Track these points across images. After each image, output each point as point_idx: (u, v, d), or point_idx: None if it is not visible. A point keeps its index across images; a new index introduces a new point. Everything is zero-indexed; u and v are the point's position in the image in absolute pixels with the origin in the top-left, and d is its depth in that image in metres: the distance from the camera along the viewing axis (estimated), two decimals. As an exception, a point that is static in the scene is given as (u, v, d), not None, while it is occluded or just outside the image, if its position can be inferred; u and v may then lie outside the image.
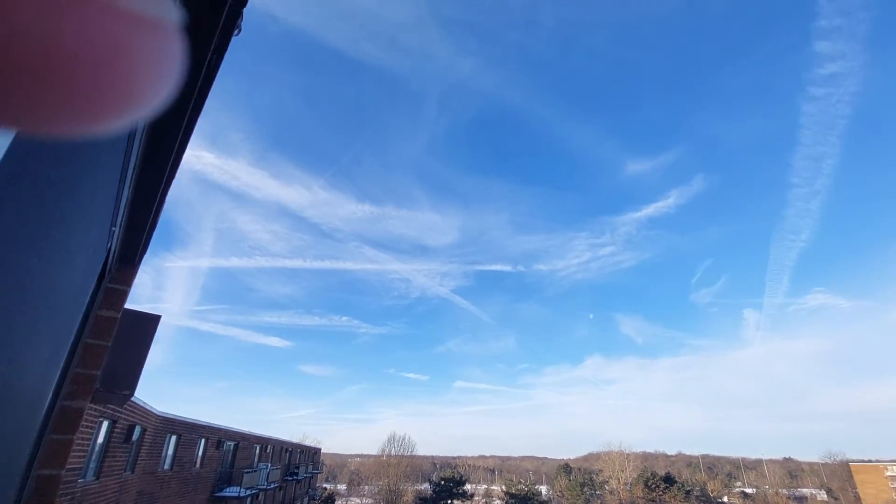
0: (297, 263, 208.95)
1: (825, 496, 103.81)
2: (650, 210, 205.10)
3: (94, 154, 1.25)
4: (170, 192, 2.21)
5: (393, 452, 78.93)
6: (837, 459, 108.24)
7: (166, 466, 22.99)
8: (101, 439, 16.19)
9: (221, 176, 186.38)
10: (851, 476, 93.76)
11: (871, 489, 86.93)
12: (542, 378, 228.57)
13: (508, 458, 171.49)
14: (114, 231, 2.21)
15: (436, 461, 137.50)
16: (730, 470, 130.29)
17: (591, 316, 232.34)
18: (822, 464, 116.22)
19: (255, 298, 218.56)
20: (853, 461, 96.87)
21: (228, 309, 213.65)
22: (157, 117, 1.59)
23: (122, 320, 3.54)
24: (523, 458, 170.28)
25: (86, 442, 13.74)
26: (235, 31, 2.00)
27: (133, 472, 19.40)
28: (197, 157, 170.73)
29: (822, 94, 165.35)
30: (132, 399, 17.82)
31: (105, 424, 16.24)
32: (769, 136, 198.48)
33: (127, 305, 3.62)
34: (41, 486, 2.47)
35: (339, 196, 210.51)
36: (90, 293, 2.56)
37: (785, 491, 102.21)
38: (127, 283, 2.94)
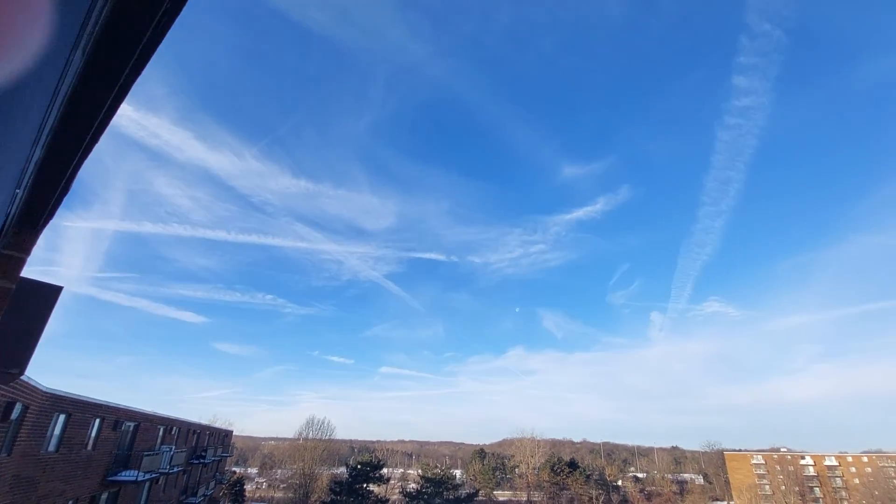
0: (219, 235, 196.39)
1: (702, 480, 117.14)
2: (580, 213, 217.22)
3: (9, 107, 1.08)
4: (89, 157, 1.95)
5: (311, 436, 77.37)
6: (715, 448, 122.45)
7: (51, 448, 20.77)
8: (-30, 417, 14.25)
9: (139, 132, 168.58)
10: (725, 463, 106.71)
11: (739, 475, 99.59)
12: (467, 367, 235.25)
13: (427, 443, 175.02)
14: (17, 193, 1.92)
15: (354, 445, 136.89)
16: (626, 456, 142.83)
17: (517, 309, 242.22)
18: (702, 452, 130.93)
19: (168, 269, 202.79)
20: (727, 450, 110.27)
21: (137, 278, 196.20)
22: (87, 65, 1.38)
23: (17, 291, 3.11)
24: (441, 444, 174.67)
25: (-49, 420, 12.02)
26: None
27: (9, 455, 17.33)
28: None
29: (735, 123, 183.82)
30: (14, 373, 15.86)
31: (-23, 401, 14.31)
32: (688, 156, 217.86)
33: (23, 273, 3.19)
34: None
35: (273, 168, 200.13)
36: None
37: (670, 476, 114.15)
38: (25, 251, 2.57)
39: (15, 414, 17.01)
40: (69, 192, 2.31)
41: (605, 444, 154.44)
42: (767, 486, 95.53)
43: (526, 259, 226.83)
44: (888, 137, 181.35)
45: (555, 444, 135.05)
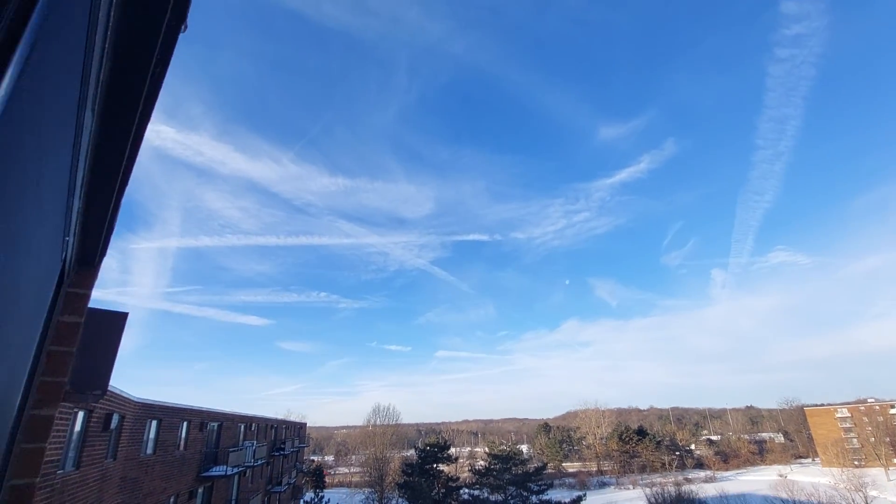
0: (270, 240, 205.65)
1: (782, 439, 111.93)
2: (623, 175, 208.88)
3: (36, 170, 1.19)
4: (124, 197, 2.12)
5: (378, 422, 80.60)
6: (794, 405, 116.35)
7: (149, 451, 22.89)
8: (77, 429, 15.93)
9: (184, 151, 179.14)
10: (806, 419, 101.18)
11: (823, 430, 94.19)
12: (521, 343, 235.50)
13: (490, 421, 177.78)
14: (68, 241, 2.12)
15: (420, 428, 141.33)
16: (697, 420, 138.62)
17: (566, 282, 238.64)
18: (779, 410, 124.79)
19: (228, 277, 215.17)
20: (807, 406, 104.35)
21: (202, 289, 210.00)
22: (99, 123, 1.50)
23: (88, 321, 3.45)
24: (505, 420, 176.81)
25: (62, 433, 13.52)
26: (182, 28, 1.88)
27: (115, 459, 19.27)
28: (156, 131, 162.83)
29: (788, 55, 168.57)
30: (110, 388, 17.52)
31: (80, 415, 15.96)
32: (736, 98, 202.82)
33: (92, 302, 3.52)
34: (15, 496, 2.44)
35: (311, 169, 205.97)
36: (49, 301, 2.47)
37: (746, 436, 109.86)
38: (87, 287, 2.84)
39: (114, 424, 18.89)
40: (114, 231, 2.54)
41: (673, 409, 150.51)
42: (855, 440, 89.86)
43: (570, 229, 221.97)
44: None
45: (620, 413, 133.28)
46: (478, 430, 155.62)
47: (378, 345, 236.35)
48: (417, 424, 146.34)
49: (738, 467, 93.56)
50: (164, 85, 1.59)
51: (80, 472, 15.55)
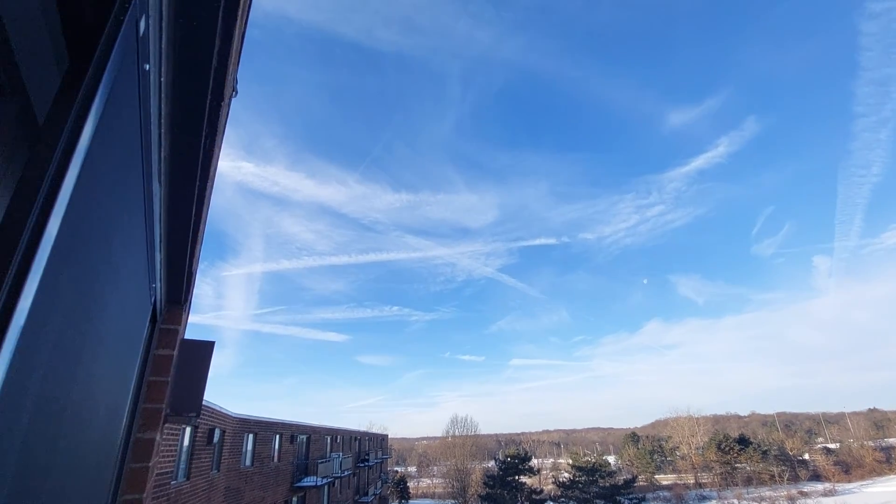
0: (343, 259, 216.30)
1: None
2: (699, 162, 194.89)
3: (113, 232, 1.39)
4: (200, 246, 2.40)
5: (457, 433, 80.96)
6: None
7: (248, 463, 24.75)
8: (185, 444, 17.65)
9: (261, 183, 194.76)
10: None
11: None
12: (600, 348, 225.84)
13: (573, 431, 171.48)
14: (154, 286, 2.43)
15: (500, 439, 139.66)
16: (809, 426, 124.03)
17: (644, 281, 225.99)
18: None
19: (308, 297, 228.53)
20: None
21: (286, 309, 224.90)
22: (170, 192, 1.74)
23: (181, 351, 3.87)
24: (588, 430, 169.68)
25: (173, 447, 15.06)
26: (233, 94, 2.11)
27: (219, 471, 21.06)
28: (237, 167, 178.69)
29: (883, 8, 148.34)
30: (210, 405, 19.28)
31: (188, 430, 17.68)
32: (826, 64, 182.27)
33: (192, 327, 3.95)
34: (128, 510, 2.80)
35: (375, 188, 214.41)
36: (144, 338, 2.83)
37: (871, 443, 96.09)
38: (178, 323, 3.22)
39: (216, 438, 20.73)
40: (195, 274, 2.87)
41: (779, 414, 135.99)
42: None
43: (644, 225, 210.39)
44: None
45: (717, 420, 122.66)
46: (559, 441, 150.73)
47: (451, 355, 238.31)
48: (496, 435, 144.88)
49: (862, 478, 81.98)
50: (221, 150, 1.80)
51: (190, 483, 17.17)
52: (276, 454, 28.19)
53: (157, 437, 3.44)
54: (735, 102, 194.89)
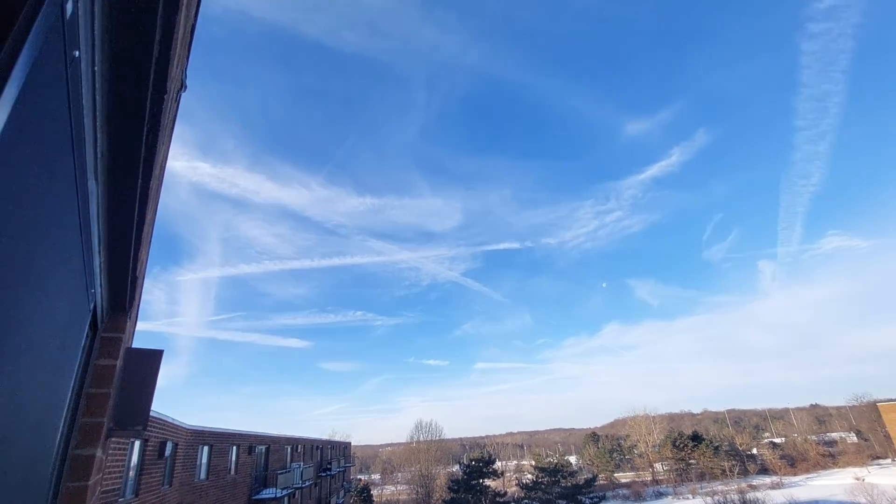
0: (305, 264, 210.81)
1: (855, 438, 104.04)
2: (654, 170, 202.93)
3: (42, 233, 1.28)
4: (147, 248, 2.25)
5: (421, 438, 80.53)
6: (864, 401, 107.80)
7: (202, 476, 23.66)
8: (134, 459, 16.68)
9: (219, 184, 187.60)
10: (880, 416, 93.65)
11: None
12: (562, 351, 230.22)
13: (536, 433, 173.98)
14: (93, 292, 2.26)
15: (464, 443, 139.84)
16: (757, 422, 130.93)
17: (603, 284, 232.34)
18: (849, 407, 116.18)
19: (268, 302, 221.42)
20: (881, 401, 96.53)
21: (244, 315, 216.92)
22: (109, 189, 1.61)
23: (126, 361, 3.64)
24: (550, 431, 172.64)
25: (120, 463, 14.18)
26: (181, 88, 2.00)
27: (171, 486, 20.01)
28: (193, 167, 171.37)
29: (822, 29, 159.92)
30: (161, 417, 18.32)
31: (137, 444, 16.72)
32: (769, 80, 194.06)
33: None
34: (63, 534, 2.59)
35: (339, 191, 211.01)
36: (83, 347, 2.63)
37: (814, 437, 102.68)
38: (121, 331, 3.02)
39: (168, 451, 19.69)
40: (141, 279, 2.70)
41: (729, 411, 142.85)
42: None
43: (603, 230, 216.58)
44: None
45: (672, 418, 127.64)
46: (523, 443, 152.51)
47: (416, 360, 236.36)
48: (461, 439, 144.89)
49: (807, 471, 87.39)
50: (168, 147, 1.69)
51: (139, 500, 16.22)
52: (233, 466, 27.08)
53: (99, 453, 3.21)
54: (687, 114, 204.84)
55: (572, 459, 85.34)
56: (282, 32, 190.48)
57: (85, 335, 2.66)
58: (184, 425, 21.92)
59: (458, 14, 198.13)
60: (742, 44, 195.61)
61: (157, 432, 18.02)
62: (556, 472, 52.82)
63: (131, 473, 16.33)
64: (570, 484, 52.02)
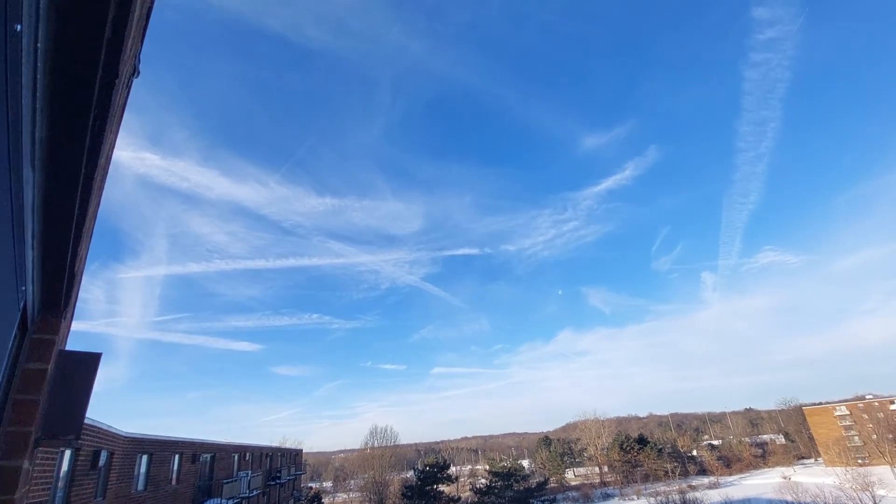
0: (259, 264, 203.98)
1: (783, 440, 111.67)
2: (609, 183, 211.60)
3: None
4: (86, 245, 2.08)
5: (376, 444, 79.20)
6: (792, 405, 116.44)
7: (140, 487, 22.24)
8: (64, 468, 15.45)
9: (168, 178, 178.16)
10: (805, 419, 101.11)
11: (823, 429, 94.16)
12: (517, 356, 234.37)
13: (491, 437, 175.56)
14: (24, 289, 2.07)
15: (420, 448, 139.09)
16: (697, 425, 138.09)
17: (559, 292, 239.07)
18: (779, 411, 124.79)
19: (218, 303, 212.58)
20: (806, 405, 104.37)
21: (192, 317, 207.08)
22: (44, 181, 1.48)
23: (59, 364, 3.36)
24: (505, 436, 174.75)
25: (48, 474, 13.08)
26: (134, 74, 1.88)
27: (104, 498, 18.67)
28: (140, 158, 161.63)
29: (762, 59, 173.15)
30: (96, 424, 17.07)
31: (67, 454, 15.49)
32: (715, 103, 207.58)
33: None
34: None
35: (298, 190, 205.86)
36: (9, 350, 2.41)
37: (747, 439, 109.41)
38: (55, 332, 2.78)
39: (102, 461, 18.34)
40: (79, 277, 2.49)
41: (673, 415, 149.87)
42: (856, 437, 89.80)
43: (560, 239, 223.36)
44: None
45: (620, 422, 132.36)
46: (478, 448, 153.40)
47: (373, 364, 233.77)
48: (416, 444, 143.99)
49: (741, 471, 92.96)
50: (117, 136, 1.57)
51: (66, 515, 15.02)
52: (174, 476, 25.59)
53: (26, 465, 2.92)
54: (640, 132, 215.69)
55: (525, 463, 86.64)
56: (242, 23, 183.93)
57: (13, 337, 2.43)
58: (121, 433, 20.54)
59: (426, 17, 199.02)
60: (692, 68, 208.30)
61: (91, 440, 16.77)
62: (509, 476, 53.43)
63: (60, 485, 15.08)
64: (522, 488, 52.75)
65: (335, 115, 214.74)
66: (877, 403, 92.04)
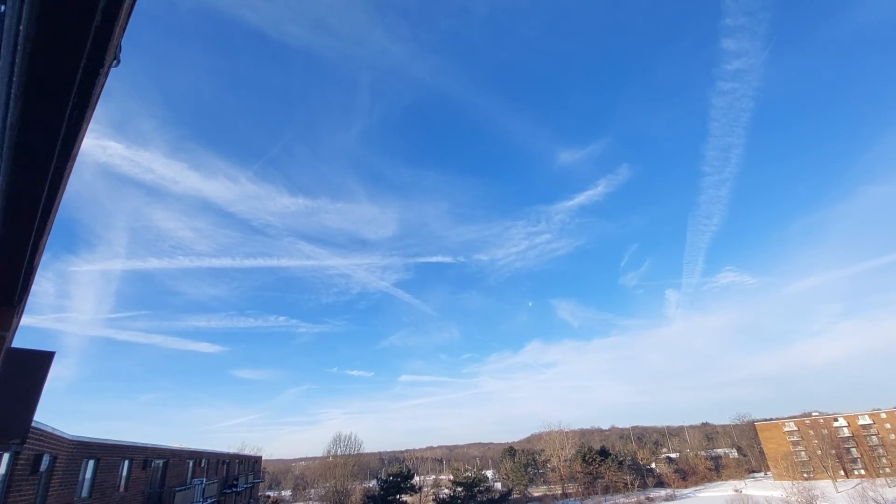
0: (225, 262, 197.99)
1: (736, 454, 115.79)
2: (582, 198, 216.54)
3: None
4: (47, 238, 1.97)
5: (339, 452, 77.56)
6: (745, 420, 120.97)
7: (84, 494, 21.03)
8: (2, 472, 14.45)
9: (132, 168, 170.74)
10: (757, 434, 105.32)
11: (773, 444, 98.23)
12: (486, 366, 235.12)
13: (455, 447, 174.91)
14: (-23, 282, 1.94)
15: (383, 457, 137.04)
16: (657, 438, 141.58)
17: (530, 303, 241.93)
18: (733, 425, 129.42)
19: (179, 302, 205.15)
20: (758, 421, 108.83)
21: (149, 315, 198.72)
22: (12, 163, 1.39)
23: (7, 363, 3.16)
24: (470, 446, 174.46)
25: (-19, 480, 12.20)
26: (114, 62, 1.80)
27: (43, 506, 17.53)
28: (101, 146, 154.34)
29: (729, 88, 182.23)
30: (39, 426, 16.05)
31: (6, 457, 14.50)
32: (684, 128, 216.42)
33: (26, 330, 3.25)
34: None
35: (270, 189, 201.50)
36: (-45, 347, 2.25)
37: (703, 453, 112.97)
38: (6, 328, 2.60)
39: (44, 466, 17.23)
40: (36, 270, 2.35)
41: (634, 428, 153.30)
42: (803, 453, 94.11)
43: (533, 251, 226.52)
44: (890, 80, 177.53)
45: (584, 433, 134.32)
46: (442, 457, 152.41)
47: (339, 370, 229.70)
48: (380, 453, 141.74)
49: (696, 484, 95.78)
50: (90, 123, 1.50)
51: (0, 523, 14.02)
52: (122, 483, 24.31)
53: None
54: (613, 150, 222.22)
55: (489, 474, 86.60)
56: (219, 13, 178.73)
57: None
58: (66, 436, 19.39)
59: (410, 24, 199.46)
60: (664, 92, 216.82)
61: (33, 443, 15.76)
62: (473, 486, 53.29)
63: (-6, 492, 14.07)
64: (486, 498, 52.67)
65: (312, 114, 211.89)
66: (822, 421, 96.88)
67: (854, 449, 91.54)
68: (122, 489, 24.14)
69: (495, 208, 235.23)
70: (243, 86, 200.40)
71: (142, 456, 26.02)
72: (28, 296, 2.70)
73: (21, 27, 0.91)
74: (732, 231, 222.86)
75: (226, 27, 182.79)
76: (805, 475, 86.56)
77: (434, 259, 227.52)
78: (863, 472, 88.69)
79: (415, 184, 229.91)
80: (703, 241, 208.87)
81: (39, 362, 3.47)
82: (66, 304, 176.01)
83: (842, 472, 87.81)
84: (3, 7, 0.82)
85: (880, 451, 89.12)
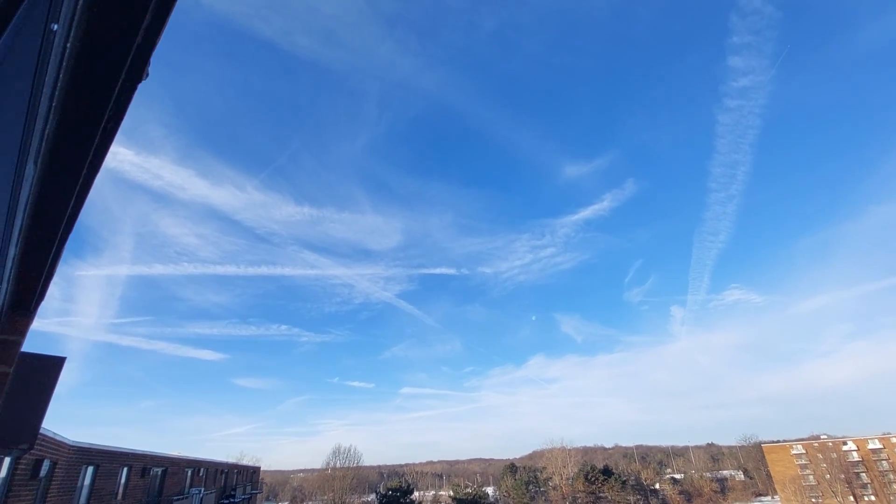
0: (229, 270, 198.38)
1: (742, 476, 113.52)
2: (587, 212, 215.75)
3: None
4: (66, 245, 2.01)
5: (338, 465, 76.76)
6: (752, 442, 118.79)
7: (82, 501, 20.92)
8: (2, 476, 14.43)
9: (141, 175, 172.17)
10: (764, 456, 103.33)
11: (780, 467, 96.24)
12: (488, 380, 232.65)
13: (456, 462, 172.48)
14: (2, 286, 1.97)
15: (383, 470, 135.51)
16: (661, 458, 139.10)
17: (533, 317, 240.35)
18: (739, 447, 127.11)
19: (183, 309, 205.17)
20: (765, 442, 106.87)
21: (153, 321, 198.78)
22: (41, 177, 1.43)
23: (19, 367, 3.18)
24: (471, 461, 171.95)
25: (-19, 484, 12.17)
26: (145, 77, 1.85)
27: (41, 512, 17.43)
28: (112, 153, 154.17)
29: (736, 105, 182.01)
30: (41, 430, 16.04)
31: (6, 461, 14.49)
32: (690, 143, 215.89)
33: (31, 334, 3.27)
34: None
35: (276, 197, 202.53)
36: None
37: (708, 474, 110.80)
38: (21, 333, 2.63)
39: (43, 471, 17.17)
40: (53, 277, 2.38)
41: (637, 447, 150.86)
42: (811, 477, 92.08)
43: (537, 264, 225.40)
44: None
45: (586, 451, 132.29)
46: (443, 472, 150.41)
47: (340, 381, 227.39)
48: (380, 467, 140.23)
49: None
50: (116, 135, 1.54)
51: (-2, 529, 13.95)
52: (120, 490, 24.15)
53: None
54: (619, 165, 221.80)
55: (490, 490, 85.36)
56: (231, 24, 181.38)
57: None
58: (66, 441, 19.35)
59: (418, 37, 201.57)
60: (670, 108, 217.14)
61: (34, 448, 15.73)
62: (473, 503, 52.45)
63: (-7, 496, 14.03)
64: (485, 516, 51.81)
65: (320, 124, 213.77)
66: (830, 444, 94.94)
67: (864, 474, 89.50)
68: (120, 497, 23.98)
69: (500, 221, 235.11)
70: (253, 95, 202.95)
71: (141, 464, 25.89)
72: (42, 301, 2.74)
73: (69, 44, 0.95)
74: (739, 248, 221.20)
75: (237, 38, 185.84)
76: (813, 500, 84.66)
77: (437, 271, 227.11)
78: (873, 497, 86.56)
79: (420, 195, 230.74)
80: (709, 258, 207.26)
81: (50, 367, 3.49)
82: (70, 307, 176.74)
83: (851, 498, 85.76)
84: (54, 25, 0.85)
85: (891, 476, 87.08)
